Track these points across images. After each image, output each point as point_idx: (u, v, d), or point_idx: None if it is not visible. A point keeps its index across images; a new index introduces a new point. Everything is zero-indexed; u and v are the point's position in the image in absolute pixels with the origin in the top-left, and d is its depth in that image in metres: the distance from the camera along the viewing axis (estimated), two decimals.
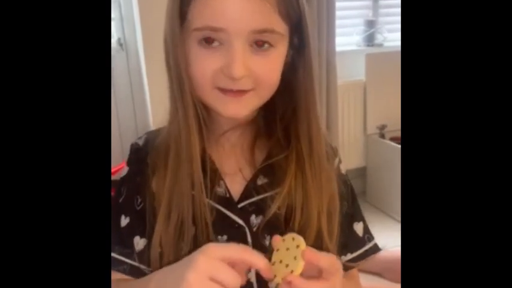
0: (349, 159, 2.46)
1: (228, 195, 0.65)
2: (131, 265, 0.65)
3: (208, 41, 0.57)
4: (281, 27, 0.58)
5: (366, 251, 0.72)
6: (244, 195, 0.65)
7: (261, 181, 0.66)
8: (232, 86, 0.58)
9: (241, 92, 0.59)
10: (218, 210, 0.64)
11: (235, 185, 0.66)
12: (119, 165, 1.81)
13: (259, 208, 0.65)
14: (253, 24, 0.56)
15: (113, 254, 0.65)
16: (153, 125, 2.04)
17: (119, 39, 2.06)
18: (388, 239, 1.52)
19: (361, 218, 0.73)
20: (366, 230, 0.73)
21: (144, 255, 0.65)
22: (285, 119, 0.65)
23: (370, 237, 0.73)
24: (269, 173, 0.66)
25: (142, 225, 0.65)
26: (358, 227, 0.72)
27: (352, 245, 0.71)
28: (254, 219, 0.65)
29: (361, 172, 2.56)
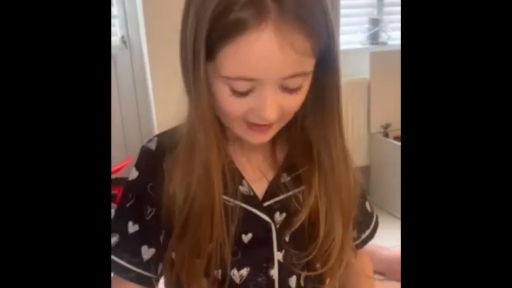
0: (353, 158, 2.45)
1: (252, 193, 0.65)
2: (138, 273, 0.65)
3: (242, 95, 0.56)
4: (310, 64, 0.57)
5: (375, 222, 0.78)
6: (269, 193, 0.66)
7: (284, 179, 0.67)
8: (262, 122, 0.58)
9: (267, 126, 0.59)
10: (244, 209, 0.64)
11: (258, 184, 0.66)
12: (122, 163, 1.81)
13: (284, 205, 0.66)
14: (286, 72, 0.54)
15: (121, 262, 0.65)
16: (156, 123, 2.05)
17: (123, 36, 2.06)
18: (391, 238, 1.52)
19: (366, 197, 0.78)
20: (371, 205, 0.79)
21: (151, 264, 0.65)
22: (306, 130, 0.65)
23: (373, 210, 0.79)
24: (291, 171, 0.67)
25: (151, 234, 0.65)
26: (368, 206, 0.78)
27: (368, 222, 0.77)
28: (278, 216, 0.66)
29: (365, 171, 2.55)
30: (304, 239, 0.66)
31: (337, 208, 0.65)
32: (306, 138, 0.65)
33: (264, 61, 0.53)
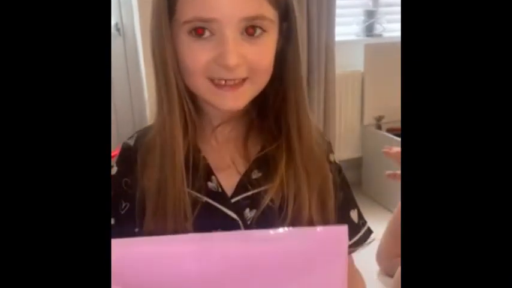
0: (346, 150, 2.46)
1: (220, 190, 0.65)
2: None
3: (198, 33, 0.57)
4: (270, 13, 0.58)
5: (362, 235, 0.73)
6: (238, 189, 0.65)
7: (255, 175, 0.65)
8: (227, 75, 0.57)
9: (237, 84, 0.59)
10: (210, 205, 0.64)
11: (229, 180, 0.65)
12: (114, 151, 1.80)
13: (254, 202, 0.64)
14: (244, 12, 0.55)
15: None
16: (149, 111, 2.03)
17: (117, 24, 2.05)
18: (383, 230, 1.53)
19: (355, 205, 0.74)
20: (360, 215, 0.74)
21: None
22: (275, 108, 0.65)
23: (364, 222, 0.75)
24: (263, 166, 0.65)
25: (124, 229, 0.65)
26: (354, 214, 0.73)
27: (350, 232, 0.71)
28: (248, 213, 0.64)
29: (357, 163, 2.56)
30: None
31: (305, 191, 0.63)
32: (277, 121, 0.65)
33: None
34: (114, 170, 0.69)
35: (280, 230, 0.55)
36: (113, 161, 0.71)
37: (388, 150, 1.42)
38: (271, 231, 0.54)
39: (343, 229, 0.55)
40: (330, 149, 0.73)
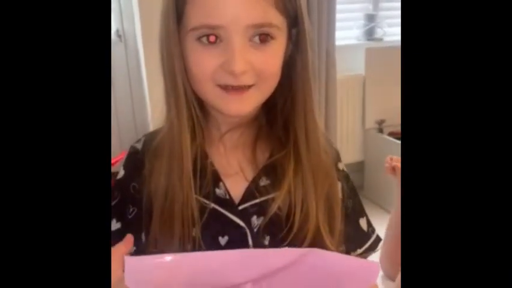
0: (347, 154, 2.46)
1: (227, 196, 0.64)
2: None
3: (211, 41, 0.57)
4: (278, 20, 0.58)
5: (372, 243, 0.73)
6: (246, 196, 0.64)
7: (263, 182, 0.65)
8: (234, 82, 0.57)
9: (243, 89, 0.59)
10: (218, 211, 0.63)
11: (236, 186, 0.65)
12: (116, 157, 1.80)
13: (261, 209, 0.64)
14: (250, 19, 0.56)
15: None
16: (151, 118, 2.04)
17: (118, 30, 2.06)
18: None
19: (364, 213, 0.74)
20: (369, 223, 0.74)
21: None
22: (284, 114, 0.65)
23: (373, 230, 0.74)
24: (271, 173, 0.65)
25: (132, 233, 0.64)
26: (363, 222, 0.73)
27: (360, 240, 0.72)
28: (255, 220, 0.64)
29: (359, 167, 2.56)
30: (284, 240, 0.64)
31: (312, 197, 0.63)
32: (285, 127, 0.65)
33: (223, 4, 0.55)
34: (120, 174, 0.69)
35: (318, 250, 0.55)
36: (118, 167, 0.71)
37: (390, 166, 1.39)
38: (307, 250, 0.55)
39: (376, 266, 0.56)
40: (338, 157, 0.73)
